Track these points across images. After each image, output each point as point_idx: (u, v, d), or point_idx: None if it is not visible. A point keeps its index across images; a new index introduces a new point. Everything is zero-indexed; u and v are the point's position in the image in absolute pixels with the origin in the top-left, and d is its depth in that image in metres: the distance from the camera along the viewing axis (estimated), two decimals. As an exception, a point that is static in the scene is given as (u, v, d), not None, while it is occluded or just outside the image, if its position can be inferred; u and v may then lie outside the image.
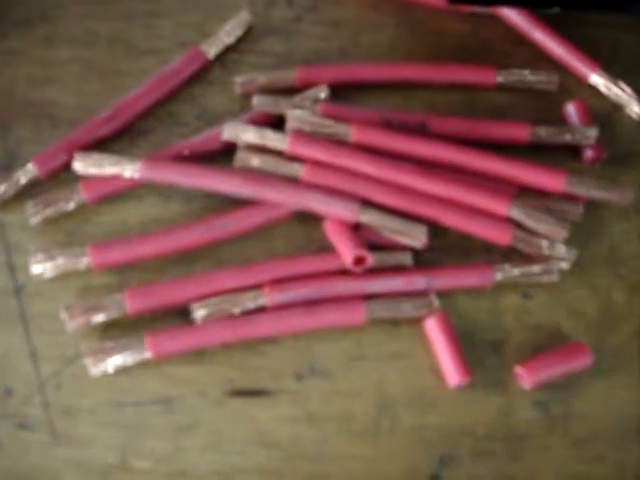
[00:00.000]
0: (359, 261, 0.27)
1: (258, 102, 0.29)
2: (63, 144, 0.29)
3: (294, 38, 0.32)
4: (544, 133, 0.29)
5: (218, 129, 0.29)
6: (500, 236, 0.27)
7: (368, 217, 0.27)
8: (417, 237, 0.27)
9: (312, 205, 0.27)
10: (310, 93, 0.30)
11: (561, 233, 0.27)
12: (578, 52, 0.31)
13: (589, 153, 0.30)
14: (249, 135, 0.28)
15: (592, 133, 0.29)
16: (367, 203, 0.27)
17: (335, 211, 0.27)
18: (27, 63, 0.31)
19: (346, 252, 0.26)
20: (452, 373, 0.26)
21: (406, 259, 0.27)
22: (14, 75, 0.31)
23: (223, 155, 0.29)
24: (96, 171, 0.28)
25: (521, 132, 0.29)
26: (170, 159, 0.28)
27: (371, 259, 0.26)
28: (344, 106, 0.29)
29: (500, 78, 0.31)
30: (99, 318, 0.26)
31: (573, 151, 0.30)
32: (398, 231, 0.27)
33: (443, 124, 0.29)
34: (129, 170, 0.28)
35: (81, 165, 0.28)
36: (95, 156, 0.28)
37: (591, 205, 0.28)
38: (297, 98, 0.30)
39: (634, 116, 0.31)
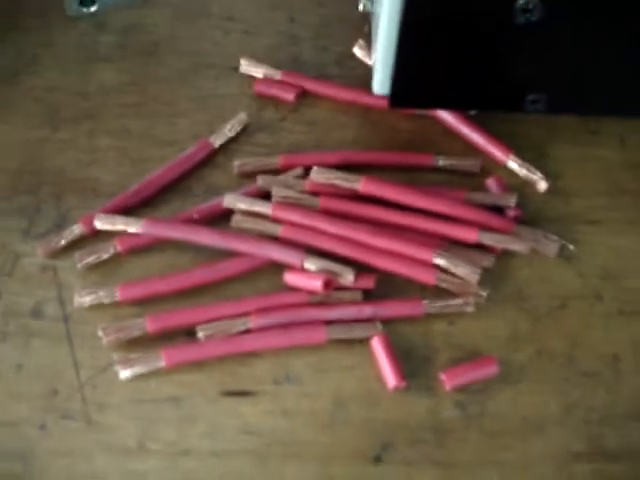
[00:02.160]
0: (327, 285, 0.36)
1: (262, 181, 0.39)
2: (102, 210, 0.39)
3: (279, 133, 0.42)
4: (476, 197, 0.39)
5: (220, 199, 0.39)
6: (428, 278, 0.37)
7: (311, 262, 0.36)
8: (347, 277, 0.36)
9: (270, 254, 0.37)
10: (290, 174, 0.40)
11: (475, 276, 0.36)
12: (497, 142, 0.41)
13: (511, 213, 0.39)
14: (243, 204, 0.38)
15: (513, 198, 0.39)
16: (313, 251, 0.37)
17: (286, 258, 0.36)
18: (75, 150, 0.41)
19: (317, 278, 0.36)
20: (391, 379, 0.35)
21: (357, 296, 0.37)
22: (65, 159, 0.41)
23: (223, 219, 0.39)
24: (110, 227, 0.38)
25: (459, 196, 0.39)
26: (166, 220, 0.38)
27: (336, 282, 0.36)
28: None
29: (437, 162, 0.41)
30: (126, 336, 0.36)
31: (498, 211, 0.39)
32: (334, 272, 0.36)
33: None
34: (134, 227, 0.37)
35: (100, 222, 0.38)
36: (110, 216, 0.38)
37: (503, 255, 0.38)
38: (281, 177, 0.40)
39: (540, 191, 0.40)
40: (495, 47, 0.35)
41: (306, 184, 0.39)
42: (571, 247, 0.39)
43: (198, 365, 0.36)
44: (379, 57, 0.36)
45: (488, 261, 0.38)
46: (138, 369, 0.35)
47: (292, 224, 0.38)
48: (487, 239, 0.37)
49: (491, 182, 0.40)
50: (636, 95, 0.38)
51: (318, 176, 0.38)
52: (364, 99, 0.42)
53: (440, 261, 0.37)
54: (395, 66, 0.36)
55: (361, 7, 0.38)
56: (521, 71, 0.36)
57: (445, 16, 0.34)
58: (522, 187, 0.41)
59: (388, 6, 0.33)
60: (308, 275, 0.36)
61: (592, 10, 0.34)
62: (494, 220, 0.38)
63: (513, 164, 0.41)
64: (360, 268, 0.37)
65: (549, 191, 0.40)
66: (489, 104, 0.38)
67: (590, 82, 0.37)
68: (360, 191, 0.38)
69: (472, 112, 0.42)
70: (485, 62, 0.36)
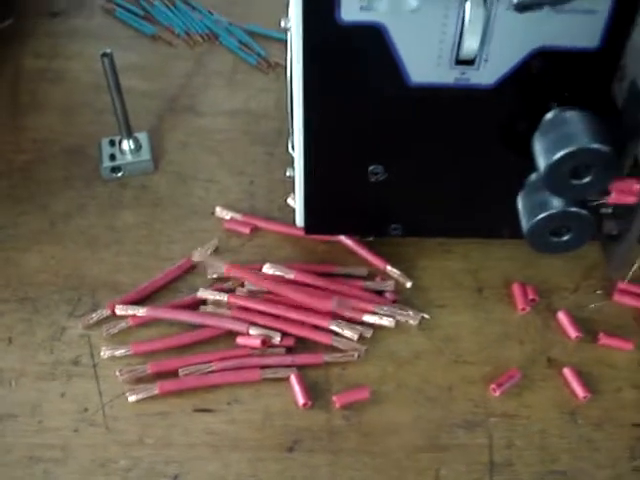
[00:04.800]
0: (263, 343, 0.57)
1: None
2: (120, 301, 0.61)
3: (239, 254, 0.66)
4: (369, 285, 0.61)
5: (196, 294, 0.61)
6: (326, 339, 0.58)
7: (253, 329, 0.58)
8: (275, 338, 0.58)
9: (227, 326, 0.58)
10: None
11: (355, 337, 0.58)
12: (379, 257, 0.64)
13: (388, 295, 0.61)
14: (211, 295, 0.61)
15: (391, 285, 0.62)
16: (255, 323, 0.59)
17: (237, 328, 0.58)
18: (106, 264, 0.64)
19: (257, 339, 0.57)
20: (301, 400, 0.56)
21: (282, 350, 0.58)
22: (100, 269, 0.64)
23: (199, 305, 0.61)
24: (125, 312, 0.60)
25: (357, 284, 0.61)
26: (161, 306, 0.60)
27: (269, 342, 0.57)
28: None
29: (338, 270, 0.63)
30: (134, 376, 0.57)
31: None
32: (267, 335, 0.58)
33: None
34: (140, 312, 0.60)
35: (119, 309, 0.60)
36: (126, 305, 0.60)
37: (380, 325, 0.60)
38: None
39: (407, 287, 0.63)
40: (364, 195, 0.59)
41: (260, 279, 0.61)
42: (427, 316, 0.61)
43: (179, 393, 0.57)
44: (297, 202, 0.60)
45: (368, 333, 0.60)
46: (141, 395, 0.56)
47: (240, 307, 0.60)
48: (339, 307, 0.60)
49: (377, 279, 0.63)
50: (468, 224, 0.61)
51: (269, 270, 0.61)
52: (294, 231, 0.65)
53: (334, 327, 0.59)
54: (304, 208, 0.59)
55: (288, 174, 0.62)
56: (383, 209, 0.60)
57: (335, 172, 0.57)
58: (397, 284, 0.63)
59: (297, 167, 0.57)
60: (251, 337, 0.58)
61: (427, 167, 0.57)
62: (378, 299, 0.61)
63: (390, 270, 0.63)
64: (285, 333, 0.59)
65: (413, 286, 0.63)
66: (368, 232, 0.62)
67: (432, 215, 0.61)
68: (293, 279, 0.61)
69: (369, 238, 0.65)
70: (360, 204, 0.59)
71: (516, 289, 0.63)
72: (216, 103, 0.78)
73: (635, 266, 0.57)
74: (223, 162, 0.73)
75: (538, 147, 0.48)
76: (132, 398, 0.56)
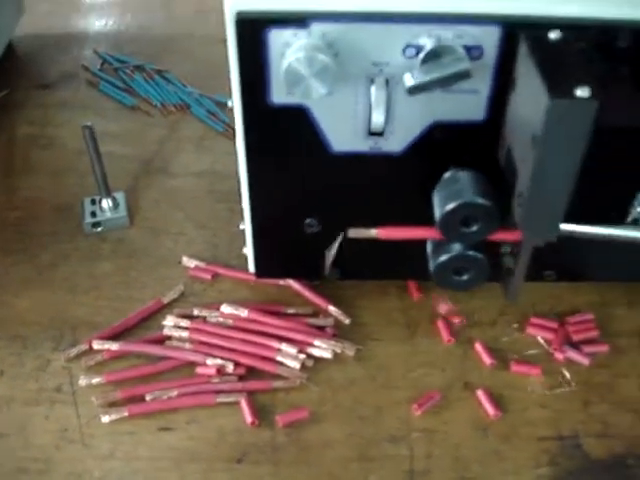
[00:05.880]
0: (219, 372, 0.68)
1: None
2: (97, 337, 0.72)
3: (202, 297, 0.76)
4: (312, 321, 0.72)
5: (161, 332, 0.72)
6: (272, 368, 0.69)
7: (210, 360, 0.69)
8: (229, 367, 0.68)
9: (188, 357, 0.69)
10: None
11: (297, 367, 0.68)
12: (321, 297, 0.75)
13: (328, 330, 0.72)
14: (176, 332, 0.71)
15: (330, 321, 0.72)
16: (211, 354, 0.69)
17: (196, 359, 0.69)
18: (85, 307, 0.75)
19: (213, 368, 0.68)
20: (249, 419, 0.66)
21: (234, 378, 0.69)
22: (81, 312, 0.75)
23: (164, 340, 0.71)
24: (101, 347, 0.70)
25: (301, 320, 0.72)
26: (132, 342, 0.71)
27: (223, 370, 0.68)
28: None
29: (285, 310, 0.74)
30: (107, 400, 0.67)
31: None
32: (222, 365, 0.68)
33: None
34: (114, 346, 0.70)
35: (96, 344, 0.70)
36: (102, 341, 0.71)
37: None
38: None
39: (345, 323, 0.73)
40: (304, 244, 0.70)
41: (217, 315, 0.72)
42: (361, 348, 0.71)
43: (146, 414, 0.67)
44: (248, 251, 0.71)
45: (309, 362, 0.70)
46: (113, 417, 0.66)
47: (199, 341, 0.71)
48: (314, 351, 0.70)
49: (320, 316, 0.74)
50: (396, 268, 0.72)
51: (226, 309, 0.72)
52: (249, 277, 0.76)
53: (279, 358, 0.69)
54: (254, 255, 0.70)
55: (241, 227, 0.73)
56: (321, 256, 0.71)
57: (276, 225, 0.68)
58: (337, 321, 0.74)
59: (246, 220, 0.68)
60: (208, 367, 0.69)
61: (355, 220, 0.68)
62: (319, 333, 0.71)
63: (331, 309, 0.74)
64: (237, 363, 0.69)
65: (352, 323, 0.74)
66: (310, 276, 0.73)
67: (364, 261, 0.71)
68: (245, 317, 0.72)
69: (316, 282, 0.76)
70: (301, 252, 0.70)
71: (440, 324, 0.74)
72: (186, 165, 0.90)
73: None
74: (190, 217, 0.84)
75: (436, 201, 0.60)
76: (105, 419, 0.66)
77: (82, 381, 0.69)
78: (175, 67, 1.03)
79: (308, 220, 0.67)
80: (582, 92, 0.47)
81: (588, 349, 0.72)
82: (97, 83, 1.01)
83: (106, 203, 0.82)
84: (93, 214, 0.82)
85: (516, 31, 0.54)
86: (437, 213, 0.59)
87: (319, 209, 0.66)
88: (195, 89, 0.99)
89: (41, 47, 1.08)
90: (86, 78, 1.03)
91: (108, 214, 0.82)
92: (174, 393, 0.68)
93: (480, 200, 0.57)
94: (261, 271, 0.72)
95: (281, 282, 0.77)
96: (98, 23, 1.14)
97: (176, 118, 0.96)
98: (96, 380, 0.69)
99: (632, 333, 0.74)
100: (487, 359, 0.71)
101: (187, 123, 0.96)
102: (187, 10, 1.11)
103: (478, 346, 0.72)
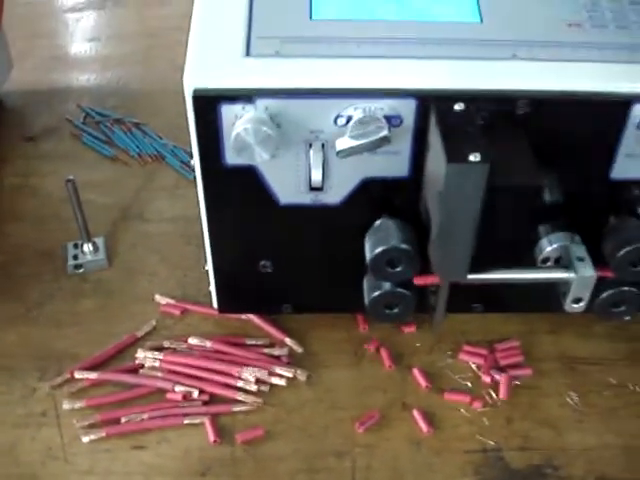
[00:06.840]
0: (185, 397, 0.78)
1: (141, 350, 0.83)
2: (78, 367, 0.82)
3: (173, 330, 0.86)
4: (268, 350, 0.82)
5: (135, 362, 0.82)
6: (233, 394, 0.79)
7: (178, 387, 0.79)
8: (195, 393, 0.78)
9: (158, 385, 0.79)
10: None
11: (254, 391, 0.79)
12: (279, 329, 0.85)
13: (284, 359, 0.82)
14: (148, 362, 0.81)
15: (285, 351, 0.83)
16: (179, 382, 0.79)
17: (166, 386, 0.79)
18: (67, 339, 0.85)
19: (180, 394, 0.78)
20: (212, 437, 0.76)
21: (199, 403, 0.79)
22: (63, 344, 0.85)
23: (138, 369, 0.82)
24: (82, 376, 0.80)
25: (260, 350, 0.82)
26: (109, 371, 0.81)
27: (189, 396, 0.78)
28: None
29: (245, 341, 0.84)
30: (88, 422, 0.77)
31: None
32: (189, 391, 0.78)
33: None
34: (92, 375, 0.80)
35: (77, 373, 0.81)
36: (82, 371, 0.81)
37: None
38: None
39: (298, 352, 0.84)
40: (259, 283, 0.80)
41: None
42: (312, 374, 0.82)
43: (121, 435, 0.77)
44: (212, 289, 0.82)
45: (265, 387, 0.80)
46: (92, 437, 0.76)
47: (169, 370, 0.81)
48: (271, 378, 0.81)
49: (276, 346, 0.84)
50: (343, 302, 0.83)
51: (192, 341, 0.82)
52: (214, 312, 0.87)
53: (239, 384, 0.79)
54: (216, 292, 0.81)
55: (206, 267, 0.83)
56: (275, 293, 0.81)
57: (234, 265, 0.79)
58: (291, 350, 0.84)
59: (209, 261, 0.79)
60: (176, 393, 0.79)
61: (303, 262, 0.79)
62: (275, 362, 0.82)
63: (287, 339, 0.85)
64: (202, 390, 0.79)
65: (305, 352, 0.84)
66: (266, 310, 0.83)
67: (313, 296, 0.82)
68: (210, 348, 0.82)
69: (285, 311, 0.86)
70: (257, 289, 0.81)
71: (383, 352, 0.84)
72: (160, 212, 1.01)
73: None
74: (164, 259, 0.95)
75: (367, 245, 0.70)
76: (85, 439, 0.76)
77: (65, 406, 0.79)
78: (151, 120, 1.14)
79: (262, 262, 0.77)
80: (474, 157, 0.58)
81: (513, 372, 0.83)
82: (79, 135, 1.12)
83: (87, 247, 0.93)
84: (75, 257, 0.93)
85: (428, 103, 0.65)
86: (368, 255, 0.70)
87: (271, 253, 0.77)
88: (169, 141, 1.10)
89: (26, 101, 1.18)
90: (70, 131, 1.13)
91: (89, 257, 0.93)
92: (146, 416, 0.78)
93: (403, 245, 0.68)
94: (223, 307, 0.83)
95: (243, 316, 0.87)
96: (81, 78, 1.24)
97: (152, 168, 1.07)
98: (78, 405, 0.79)
99: (554, 358, 0.85)
100: (423, 382, 0.82)
101: (162, 172, 1.06)
102: (163, 66, 1.22)
103: (416, 371, 0.83)
